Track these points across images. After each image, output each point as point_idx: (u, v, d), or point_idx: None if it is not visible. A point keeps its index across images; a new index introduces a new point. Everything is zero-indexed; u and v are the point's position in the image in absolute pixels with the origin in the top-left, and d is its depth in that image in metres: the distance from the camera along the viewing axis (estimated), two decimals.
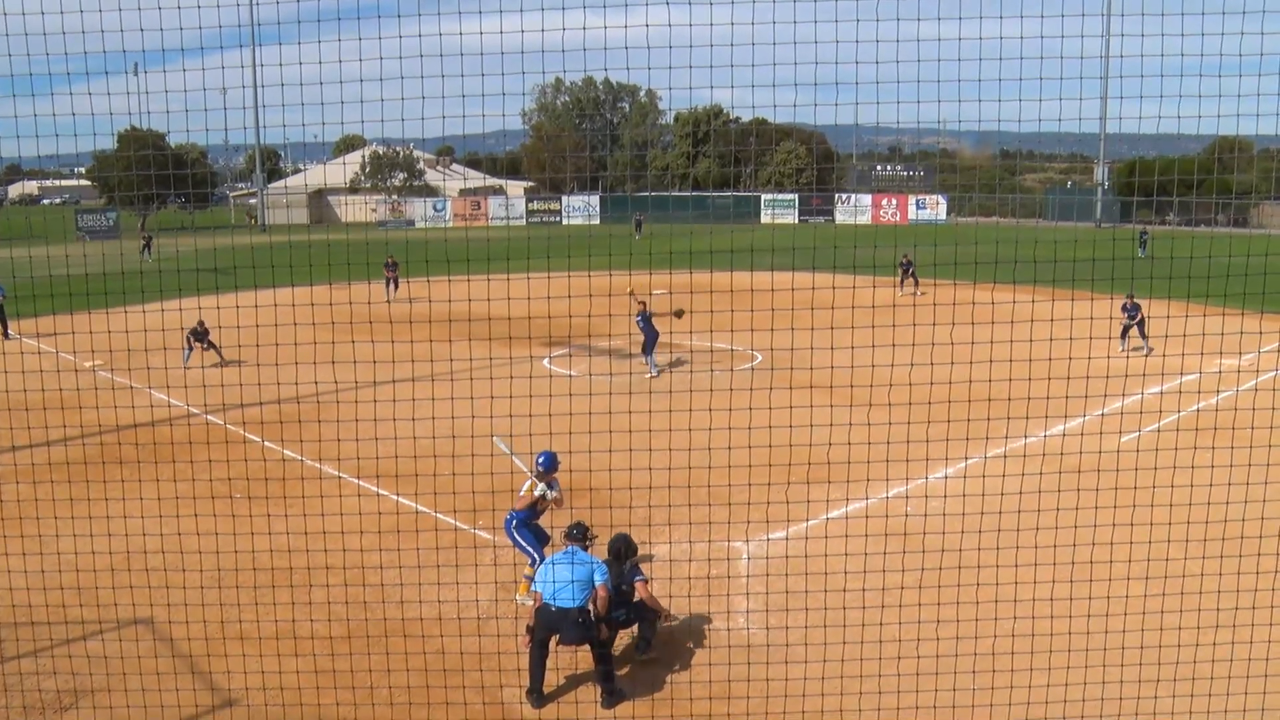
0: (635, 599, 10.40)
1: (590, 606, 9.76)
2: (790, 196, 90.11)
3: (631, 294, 23.18)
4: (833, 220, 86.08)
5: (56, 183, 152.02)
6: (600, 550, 10.59)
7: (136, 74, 10.30)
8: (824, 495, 13.40)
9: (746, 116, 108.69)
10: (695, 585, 11.72)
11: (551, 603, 9.72)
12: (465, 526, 13.55)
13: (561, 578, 9.78)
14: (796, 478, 13.25)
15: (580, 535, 10.31)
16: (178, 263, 30.82)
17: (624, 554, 10.52)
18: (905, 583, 11.85)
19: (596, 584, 9.85)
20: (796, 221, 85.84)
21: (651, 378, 22.44)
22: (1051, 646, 9.92)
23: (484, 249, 45.60)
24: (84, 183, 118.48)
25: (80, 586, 11.62)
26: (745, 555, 12.67)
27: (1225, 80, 8.03)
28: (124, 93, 9.70)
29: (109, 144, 67.45)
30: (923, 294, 35.91)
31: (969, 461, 15.91)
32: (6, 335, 29.75)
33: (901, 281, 37.55)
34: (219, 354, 23.50)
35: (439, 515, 13.71)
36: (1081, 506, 10.91)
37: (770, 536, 13.13)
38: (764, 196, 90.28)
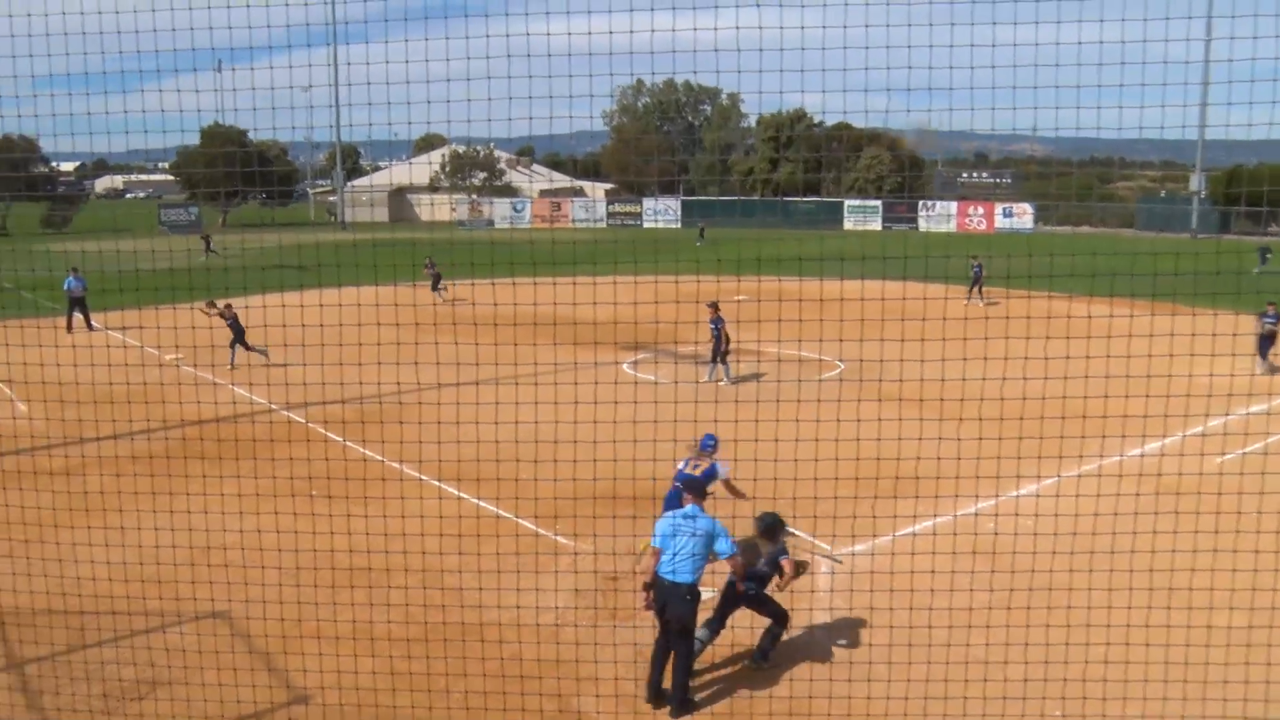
0: (770, 586, 10.16)
1: (698, 584, 9.46)
2: (874, 203, 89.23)
3: (714, 304, 23.12)
4: (916, 227, 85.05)
5: (141, 177, 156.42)
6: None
7: (220, 70, 10.52)
8: (907, 510, 13.21)
9: (830, 121, 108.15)
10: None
11: (662, 572, 9.47)
12: (544, 531, 13.60)
13: (680, 548, 9.46)
14: (879, 490, 13.07)
15: (699, 489, 9.90)
16: (245, 259, 31.44)
17: (775, 533, 10.27)
18: (991, 602, 11.62)
19: (723, 555, 9.53)
20: (880, 228, 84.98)
21: (725, 385, 22.35)
22: (1147, 676, 9.65)
23: (563, 250, 45.83)
24: (167, 177, 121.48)
25: (160, 580, 11.86)
26: (826, 569, 12.53)
27: None
28: (208, 89, 9.94)
29: (192, 140, 69.24)
30: (991, 304, 35.32)
31: (1059, 479, 15.57)
32: (90, 327, 30.59)
33: (971, 290, 36.61)
34: (247, 348, 24.04)
35: (519, 520, 13.78)
36: (1177, 530, 10.61)
37: (853, 550, 12.97)
38: (847, 203, 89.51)
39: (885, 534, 13.30)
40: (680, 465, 12.33)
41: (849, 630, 11.18)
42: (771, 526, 10.33)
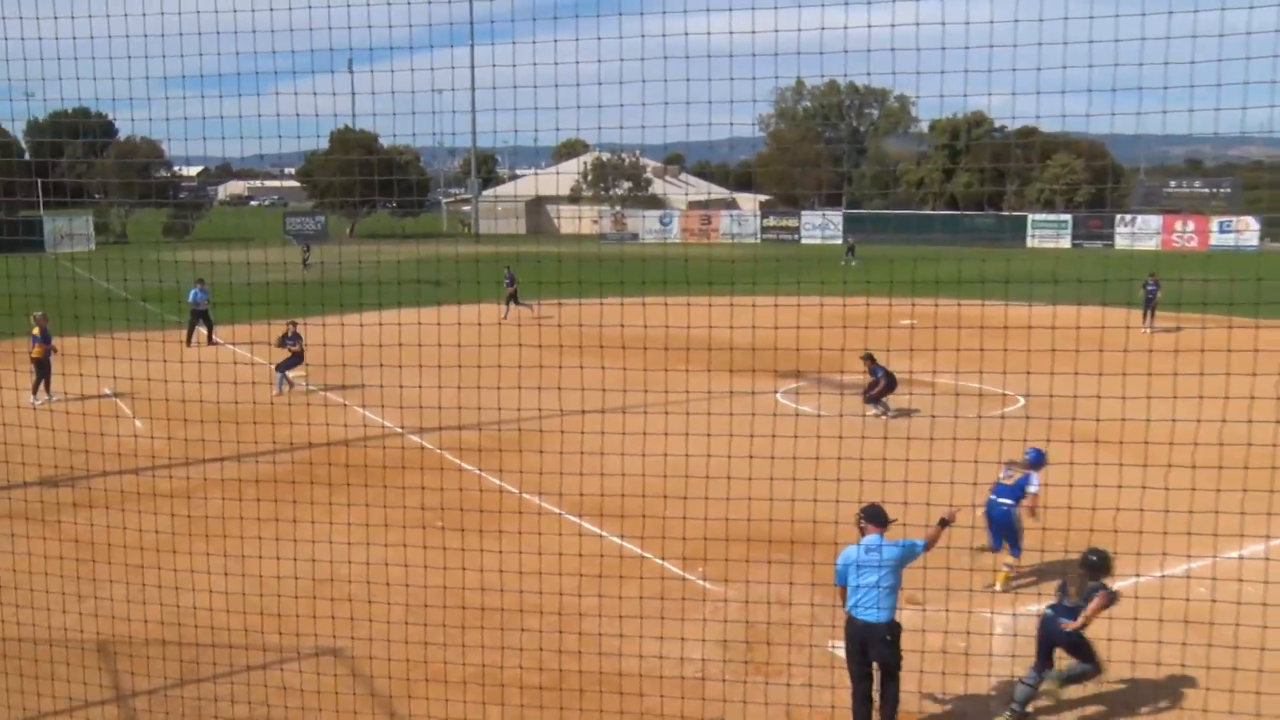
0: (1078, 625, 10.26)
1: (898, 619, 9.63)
2: (1063, 217, 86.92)
3: (868, 357, 22.87)
4: (1112, 244, 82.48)
5: (267, 184, 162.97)
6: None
7: (351, 72, 10.80)
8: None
9: (1015, 125, 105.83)
10: (936, 659, 11.25)
11: (855, 613, 9.60)
12: (689, 575, 13.51)
13: (866, 581, 9.56)
14: (1069, 545, 12.56)
15: (880, 517, 10.02)
16: (370, 271, 32.21)
17: (1099, 570, 10.46)
18: (1208, 682, 11.03)
19: (919, 548, 9.87)
20: (1070, 245, 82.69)
21: (889, 418, 21.99)
22: None
23: (718, 269, 45.86)
24: (293, 184, 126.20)
25: (276, 612, 12.15)
26: (1000, 629, 12.11)
27: None
28: (339, 92, 10.20)
29: (321, 144, 71.61)
30: (1168, 330, 33.93)
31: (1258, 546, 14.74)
32: (211, 341, 31.82)
33: (1146, 315, 35.22)
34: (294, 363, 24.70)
35: (662, 561, 13.72)
36: None
37: (1034, 609, 12.49)
38: (1031, 217, 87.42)
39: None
40: (1000, 475, 13.54)
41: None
42: (1098, 564, 10.62)
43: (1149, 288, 35.68)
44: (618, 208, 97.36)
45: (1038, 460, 13.71)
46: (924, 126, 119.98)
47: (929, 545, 9.97)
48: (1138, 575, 13.08)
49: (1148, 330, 33.92)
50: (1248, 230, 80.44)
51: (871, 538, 9.84)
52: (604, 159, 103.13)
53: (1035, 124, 53.92)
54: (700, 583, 13.42)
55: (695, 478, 13.17)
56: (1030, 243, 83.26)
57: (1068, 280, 37.67)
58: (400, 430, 21.07)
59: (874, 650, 9.55)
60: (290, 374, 25.17)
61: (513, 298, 37.12)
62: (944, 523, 10.13)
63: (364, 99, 10.00)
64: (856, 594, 9.62)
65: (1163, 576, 13.33)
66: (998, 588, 13.20)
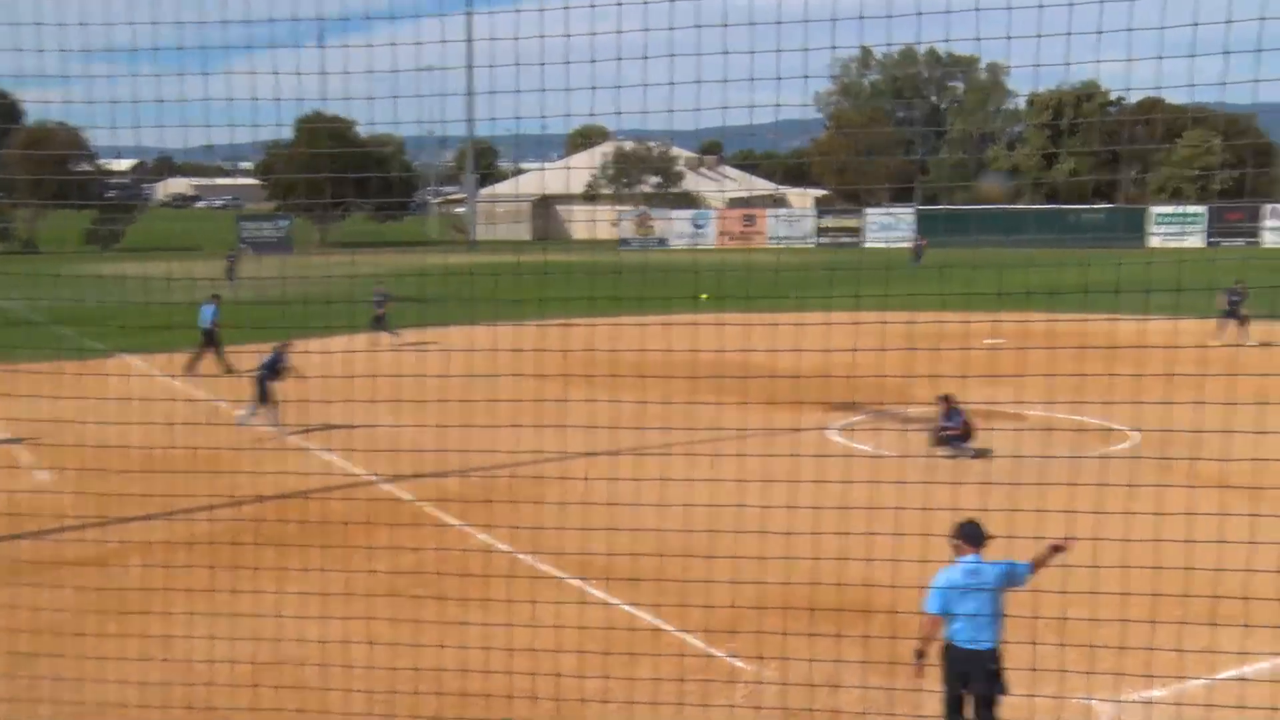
0: None
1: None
2: (1196, 210, 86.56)
3: (945, 398, 22.79)
4: (1257, 242, 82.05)
5: (217, 181, 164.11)
6: None
7: (320, 46, 10.87)
8: (1233, 642, 12.58)
9: (1134, 97, 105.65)
10: None
11: (958, 641, 10.32)
12: (716, 651, 13.46)
13: (969, 606, 10.26)
14: (1193, 615, 12.45)
15: (977, 535, 10.57)
16: (339, 287, 32.47)
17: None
18: None
19: (1023, 573, 10.48)
20: (1205, 244, 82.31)
21: (968, 458, 21.95)
22: None
23: (760, 280, 45.91)
24: (249, 182, 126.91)
25: (211, 706, 12.17)
26: (1108, 719, 12.05)
27: None
28: (304, 71, 10.23)
29: (283, 134, 71.80)
30: (1257, 344, 33.88)
31: None
32: (226, 367, 31.52)
33: (1225, 326, 36.04)
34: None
35: (684, 634, 13.69)
36: None
37: (1150, 695, 12.41)
38: (1153, 210, 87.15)
39: (1198, 675, 12.68)
40: None
41: None
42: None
43: (1233, 297, 36.31)
44: (642, 207, 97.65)
45: None
46: (1020, 102, 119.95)
47: (1035, 568, 10.57)
48: (1277, 653, 12.97)
49: (1242, 344, 34.37)
50: None
51: (970, 558, 10.49)
52: (626, 148, 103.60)
53: (1158, 95, 53.70)
54: (729, 660, 13.37)
55: (724, 533, 13.17)
56: (1152, 242, 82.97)
57: (1194, 288, 37.53)
58: (369, 478, 21.12)
59: (976, 681, 10.29)
60: (264, 409, 25.12)
61: (378, 321, 36.98)
62: (1056, 549, 10.64)
63: (336, 79, 10.06)
64: (958, 620, 10.27)
65: None
66: None
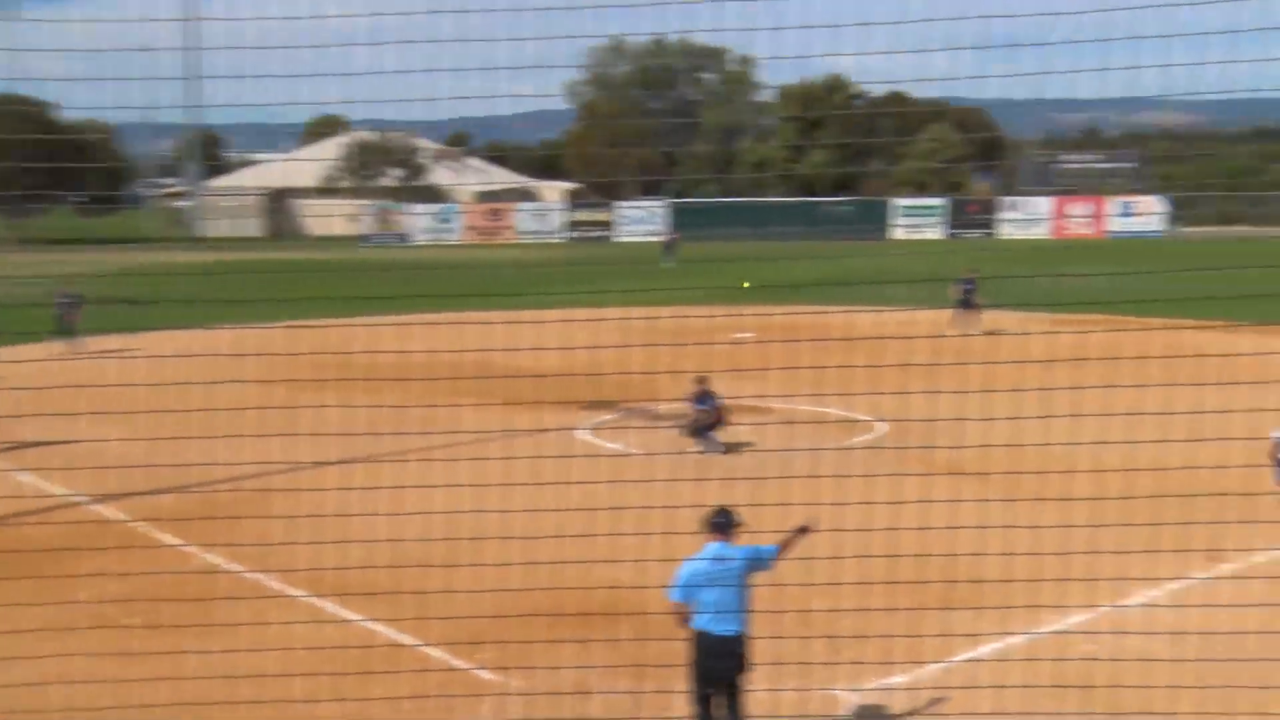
0: None
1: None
2: (935, 202, 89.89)
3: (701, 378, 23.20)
4: (993, 233, 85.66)
5: None
6: None
7: (15, 19, 10.44)
8: (966, 625, 13.14)
9: (878, 90, 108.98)
10: None
11: (706, 628, 10.44)
12: (460, 663, 13.44)
13: (714, 593, 10.42)
14: (925, 599, 12.96)
15: (728, 523, 10.74)
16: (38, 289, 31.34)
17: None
18: None
19: (768, 555, 10.69)
20: (944, 236, 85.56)
21: (716, 455, 22.34)
22: None
23: (504, 277, 45.92)
24: None
25: None
26: (851, 708, 12.45)
27: None
28: None
29: None
30: (982, 333, 35.77)
31: (1188, 582, 15.53)
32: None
33: (958, 316, 37.67)
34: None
35: (426, 648, 13.60)
36: None
37: (888, 682, 12.88)
38: (896, 202, 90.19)
39: (934, 660, 13.21)
40: None
41: None
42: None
43: (966, 287, 37.98)
44: (385, 201, 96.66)
45: None
46: (772, 94, 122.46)
47: (782, 552, 10.78)
48: (1005, 634, 13.59)
49: (970, 332, 36.22)
50: (1152, 212, 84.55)
51: (716, 545, 10.61)
52: (366, 139, 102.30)
53: (904, 89, 55.48)
54: (474, 673, 13.38)
55: (467, 540, 13.20)
56: (896, 234, 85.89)
57: (920, 280, 39.16)
58: (72, 498, 20.30)
59: (724, 665, 10.46)
60: None
61: (62, 325, 34.64)
62: (803, 530, 10.86)
63: (34, 57, 9.66)
64: (705, 607, 10.44)
65: (1034, 635, 13.90)
66: None
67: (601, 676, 12.62)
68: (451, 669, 13.35)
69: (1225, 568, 15.65)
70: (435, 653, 13.56)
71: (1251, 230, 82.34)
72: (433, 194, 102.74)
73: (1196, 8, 7.69)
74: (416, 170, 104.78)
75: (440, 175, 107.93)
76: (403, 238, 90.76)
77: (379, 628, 14.34)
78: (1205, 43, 7.88)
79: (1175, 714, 11.27)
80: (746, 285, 41.44)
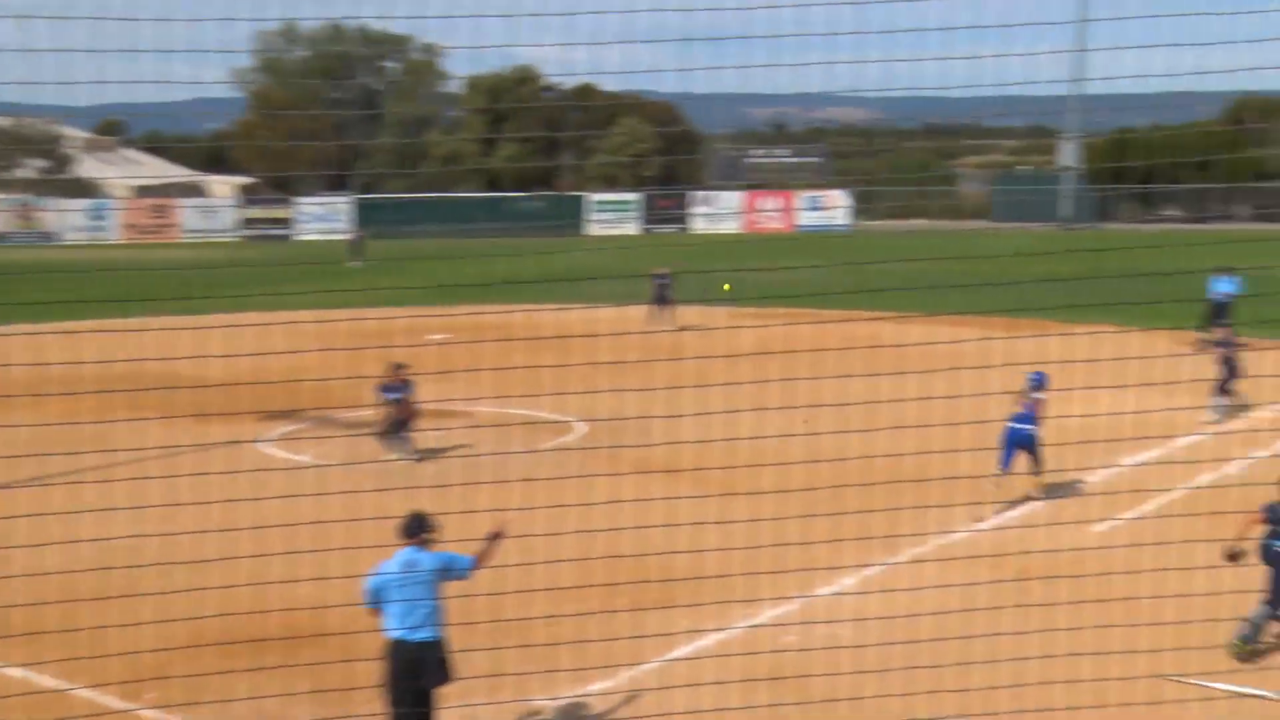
0: None
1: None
2: (628, 197, 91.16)
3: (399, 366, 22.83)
4: (685, 229, 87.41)
5: None
6: None
7: None
8: (681, 622, 13.25)
9: (569, 83, 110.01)
10: None
11: (402, 635, 10.53)
12: (127, 704, 12.81)
13: (408, 599, 10.54)
14: (639, 600, 12.99)
15: (419, 528, 10.90)
16: None
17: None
18: None
19: (466, 566, 10.93)
20: (640, 231, 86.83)
21: (414, 461, 22.10)
22: None
23: (170, 279, 44.52)
24: None
25: None
26: (547, 717, 12.42)
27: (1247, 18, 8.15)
28: None
29: None
30: (677, 329, 36.77)
31: (882, 567, 16.00)
32: None
33: (657, 308, 38.63)
34: None
35: (89, 691, 12.89)
36: (1041, 629, 11.00)
37: (593, 689, 12.87)
38: (591, 197, 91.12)
39: (650, 659, 13.28)
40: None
41: None
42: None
43: (661, 282, 38.92)
44: (25, 196, 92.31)
45: (1041, 382, 18.38)
46: (458, 85, 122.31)
47: (479, 562, 11.04)
48: (719, 629, 13.76)
49: (664, 329, 36.53)
50: (838, 207, 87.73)
51: (406, 551, 10.81)
52: (4, 126, 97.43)
53: (594, 81, 56.15)
54: (145, 713, 12.76)
55: (126, 569, 12.63)
56: (592, 229, 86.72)
57: (626, 275, 39.79)
58: None
59: (428, 674, 10.60)
60: None
61: None
62: (495, 537, 11.08)
63: None
64: (401, 616, 10.57)
65: (745, 628, 14.12)
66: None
67: (302, 705, 12.24)
68: (122, 711, 12.71)
69: (918, 550, 16.24)
70: (101, 697, 12.85)
71: (929, 224, 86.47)
72: (82, 188, 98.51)
73: (858, 7, 7.91)
74: (62, 161, 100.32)
75: (91, 167, 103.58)
76: (48, 236, 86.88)
77: (33, 673, 13.46)
78: (866, 41, 8.12)
79: (875, 696, 11.56)
80: (728, 288, 42.07)
